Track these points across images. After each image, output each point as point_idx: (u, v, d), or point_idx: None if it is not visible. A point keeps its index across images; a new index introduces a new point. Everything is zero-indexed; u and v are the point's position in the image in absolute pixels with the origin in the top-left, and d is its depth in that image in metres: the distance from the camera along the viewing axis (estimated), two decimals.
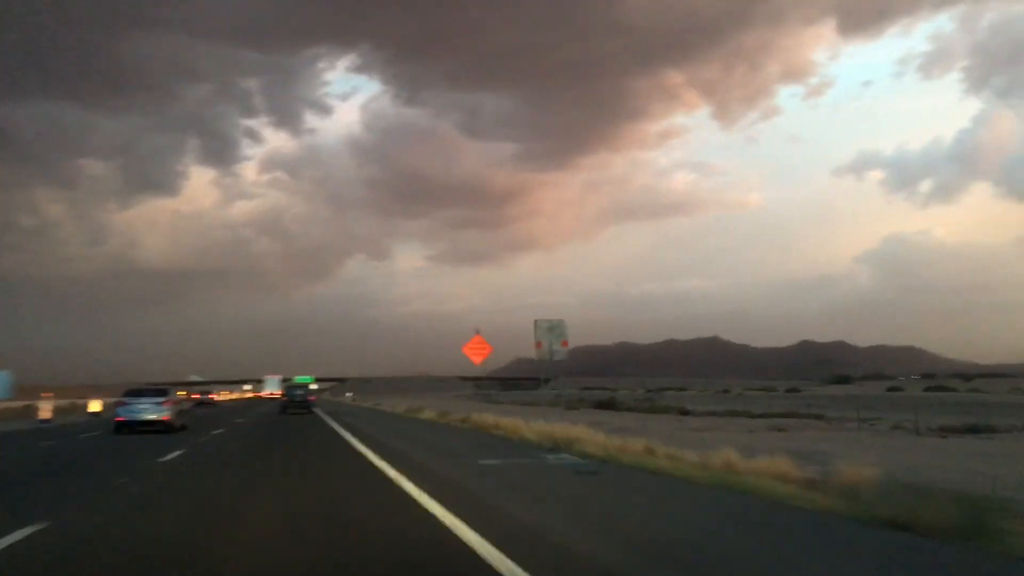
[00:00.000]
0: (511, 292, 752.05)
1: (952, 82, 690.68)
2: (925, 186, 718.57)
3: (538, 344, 22.25)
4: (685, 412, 56.52)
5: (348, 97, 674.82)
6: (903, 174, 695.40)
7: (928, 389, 73.81)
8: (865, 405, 46.12)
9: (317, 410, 43.47)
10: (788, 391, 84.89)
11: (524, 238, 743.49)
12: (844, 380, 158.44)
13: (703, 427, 30.07)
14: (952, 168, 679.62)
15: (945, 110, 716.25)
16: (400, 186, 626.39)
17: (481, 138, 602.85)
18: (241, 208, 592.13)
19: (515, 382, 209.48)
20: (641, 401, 72.74)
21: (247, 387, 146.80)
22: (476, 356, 26.79)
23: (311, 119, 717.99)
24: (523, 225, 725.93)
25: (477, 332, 26.48)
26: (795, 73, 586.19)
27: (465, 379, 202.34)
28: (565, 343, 22.58)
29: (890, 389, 78.41)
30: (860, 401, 51.06)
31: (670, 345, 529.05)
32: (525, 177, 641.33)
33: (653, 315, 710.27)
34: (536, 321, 22.89)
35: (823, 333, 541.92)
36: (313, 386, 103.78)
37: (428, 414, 32.76)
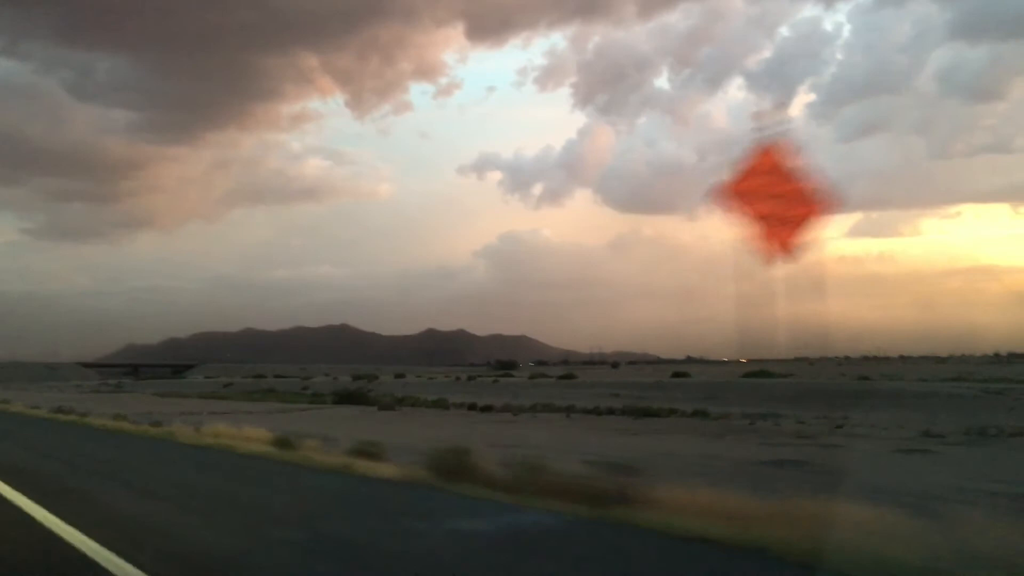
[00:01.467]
0: (124, 273, 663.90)
1: (563, 96, 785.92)
2: (537, 189, 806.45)
3: None
4: (473, 407, 46.18)
5: None
6: (519, 177, 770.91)
7: (748, 375, 69.97)
8: (711, 395, 41.07)
9: None
10: (531, 377, 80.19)
11: (140, 215, 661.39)
12: (510, 366, 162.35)
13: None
14: (560, 175, 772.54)
15: (556, 121, 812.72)
16: None
17: (93, 102, 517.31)
18: None
19: (150, 369, 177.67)
20: (375, 395, 61.03)
21: None
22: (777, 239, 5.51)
23: None
24: (140, 201, 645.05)
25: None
26: (426, 72, 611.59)
27: (86, 366, 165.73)
28: None
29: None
30: (687, 390, 46.32)
31: (299, 332, 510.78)
32: (143, 149, 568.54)
33: (281, 302, 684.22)
34: None
35: (446, 322, 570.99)
36: None
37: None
